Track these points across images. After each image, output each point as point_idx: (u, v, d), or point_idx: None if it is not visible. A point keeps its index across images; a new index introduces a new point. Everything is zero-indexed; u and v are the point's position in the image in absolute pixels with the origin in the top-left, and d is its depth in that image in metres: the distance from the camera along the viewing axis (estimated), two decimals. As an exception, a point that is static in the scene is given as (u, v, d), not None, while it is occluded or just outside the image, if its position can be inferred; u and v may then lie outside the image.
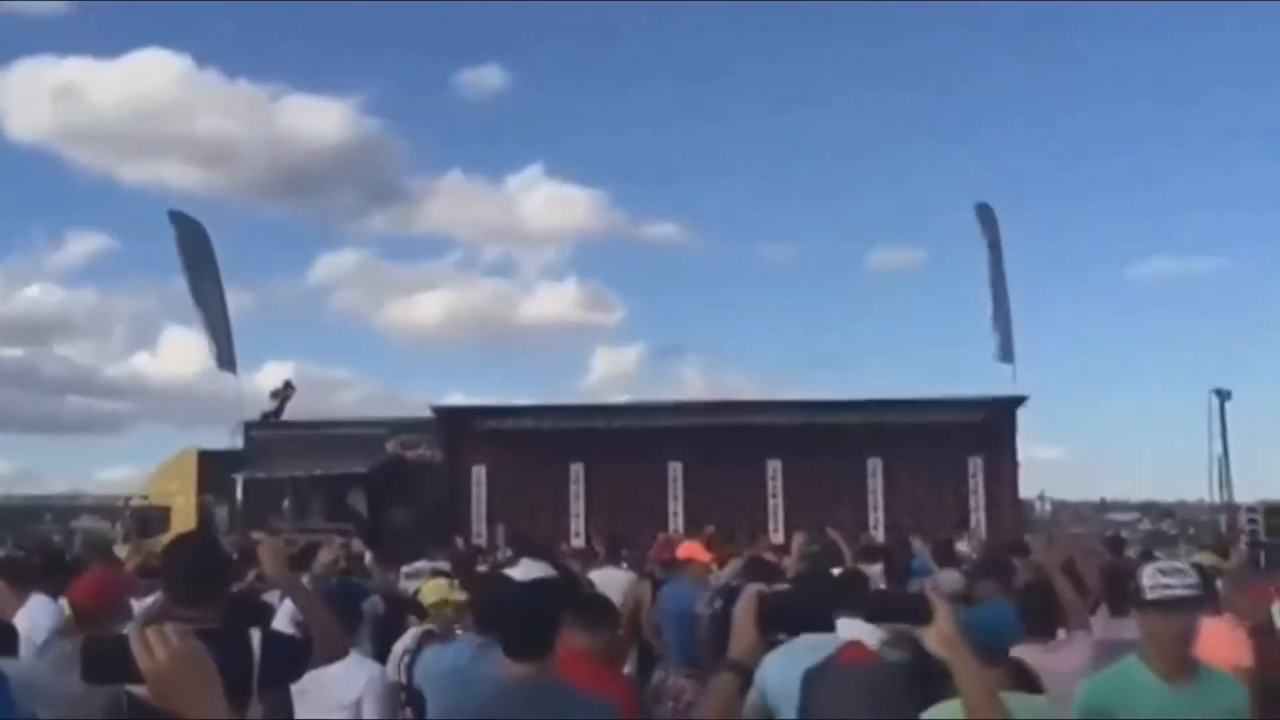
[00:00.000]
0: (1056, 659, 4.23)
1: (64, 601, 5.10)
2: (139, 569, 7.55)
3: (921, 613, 2.25)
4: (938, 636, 2.08)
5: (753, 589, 2.35)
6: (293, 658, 3.51)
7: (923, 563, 8.62)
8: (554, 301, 63.36)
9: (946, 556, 9.65)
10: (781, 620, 2.55)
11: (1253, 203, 52.91)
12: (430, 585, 6.20)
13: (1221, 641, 4.42)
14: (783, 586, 5.67)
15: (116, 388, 69.43)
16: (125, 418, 70.44)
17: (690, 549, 7.91)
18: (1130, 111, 54.27)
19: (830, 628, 2.84)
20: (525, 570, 7.19)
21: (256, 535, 18.05)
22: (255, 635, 3.41)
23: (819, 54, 54.06)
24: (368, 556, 10.49)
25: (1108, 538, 17.63)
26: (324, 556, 8.01)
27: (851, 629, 3.28)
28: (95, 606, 4.71)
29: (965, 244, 24.08)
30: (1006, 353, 22.46)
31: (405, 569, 11.13)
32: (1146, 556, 9.03)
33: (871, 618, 2.62)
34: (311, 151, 56.86)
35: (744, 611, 2.29)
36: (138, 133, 57.50)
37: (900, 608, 2.50)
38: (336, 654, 3.70)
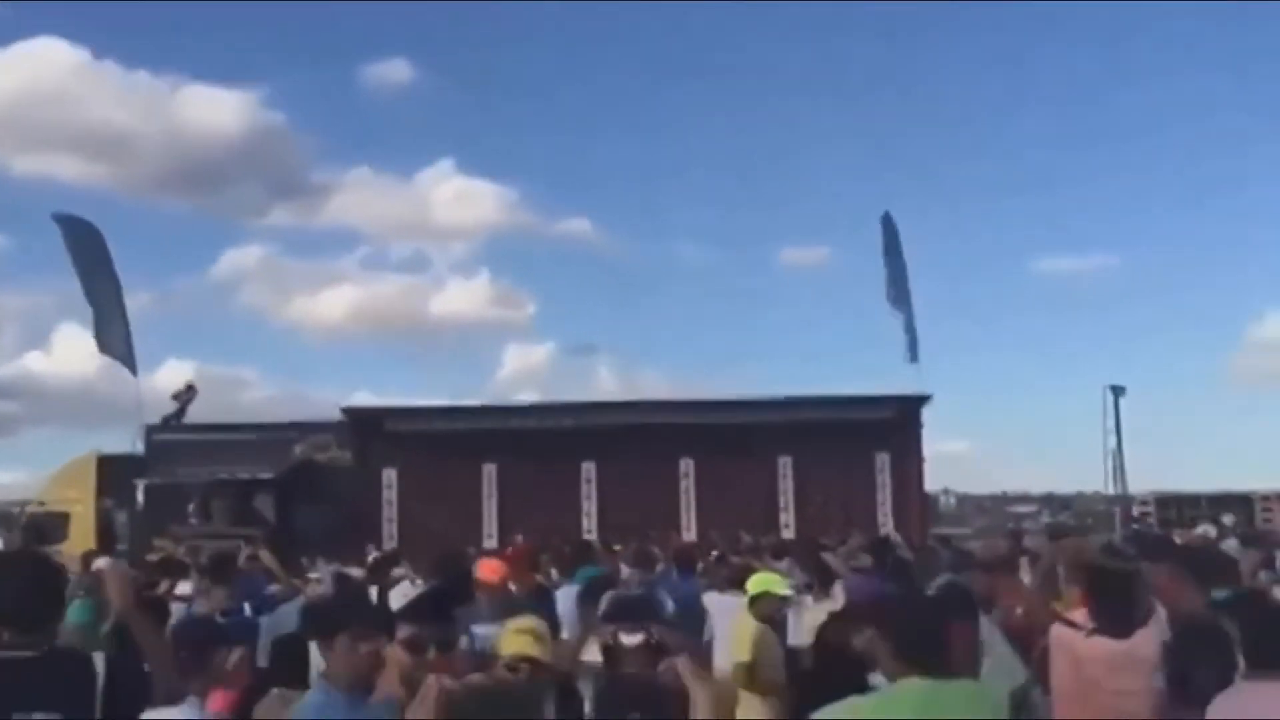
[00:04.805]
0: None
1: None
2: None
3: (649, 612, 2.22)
4: (685, 670, 2.05)
5: (432, 680, 2.10)
6: (136, 688, 3.35)
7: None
8: (464, 298, 62.54)
9: (882, 553, 9.87)
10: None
11: (1147, 202, 54.67)
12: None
13: None
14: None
15: (6, 388, 66.80)
16: (15, 420, 67.85)
17: (487, 567, 6.97)
18: (1025, 112, 55.72)
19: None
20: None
21: (160, 542, 17.66)
22: (99, 660, 3.28)
23: (730, 59, 54.45)
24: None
25: (1009, 531, 18.23)
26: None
27: None
28: None
29: (872, 243, 24.60)
30: (912, 353, 23.07)
31: (311, 574, 10.96)
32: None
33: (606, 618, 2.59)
34: (212, 144, 55.39)
35: (422, 708, 2.07)
36: (29, 125, 55.45)
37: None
38: (172, 697, 3.49)
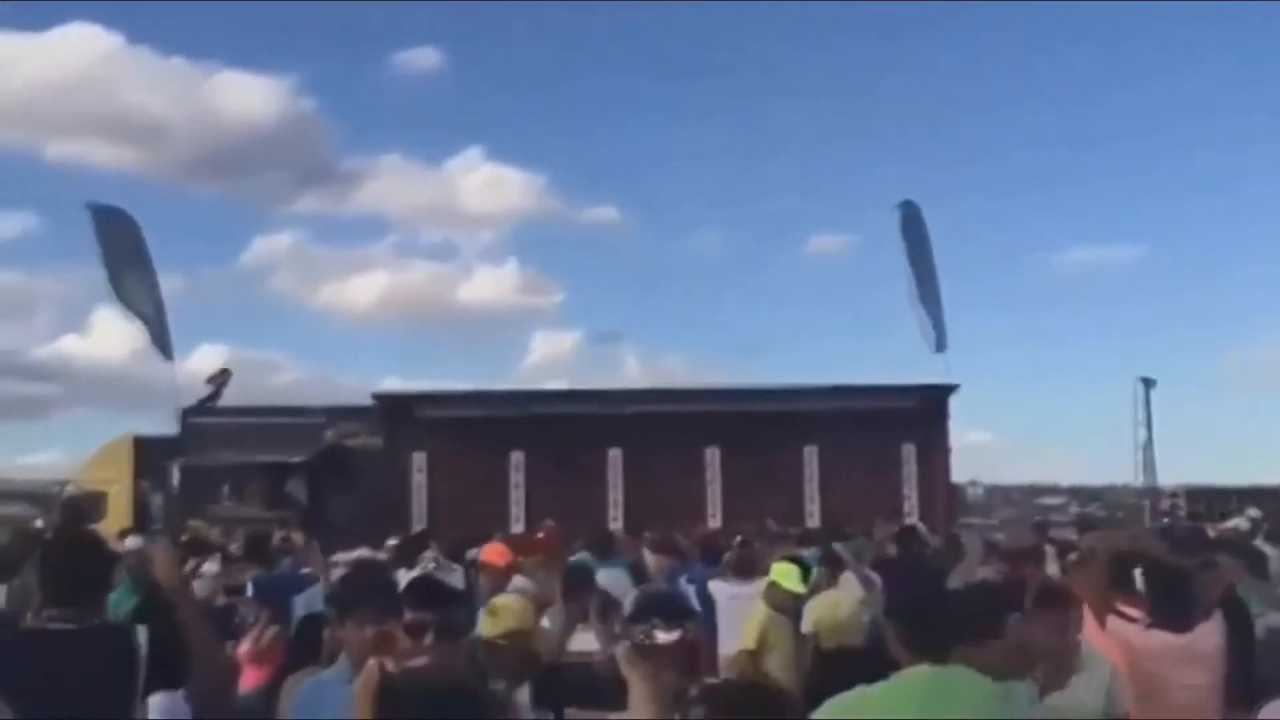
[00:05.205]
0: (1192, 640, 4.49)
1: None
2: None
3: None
4: (624, 660, 1.81)
5: (373, 664, 1.81)
6: (175, 663, 3.38)
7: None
8: (492, 286, 62.82)
9: (907, 544, 9.90)
10: (410, 710, 1.86)
11: (1176, 193, 54.00)
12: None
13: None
14: None
15: (43, 370, 67.61)
16: (51, 402, 68.75)
17: (491, 551, 7.14)
18: (1051, 105, 55.25)
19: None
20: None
21: (193, 523, 17.95)
22: (142, 633, 3.32)
23: (756, 50, 54.25)
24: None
25: (1035, 522, 18.16)
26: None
27: None
28: None
29: (898, 231, 24.45)
30: (939, 343, 22.99)
31: (339, 555, 11.17)
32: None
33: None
34: (243, 131, 55.84)
35: (360, 693, 1.86)
36: (64, 110, 56.05)
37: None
38: (213, 682, 3.53)
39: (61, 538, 3.90)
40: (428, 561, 8.90)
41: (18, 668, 3.21)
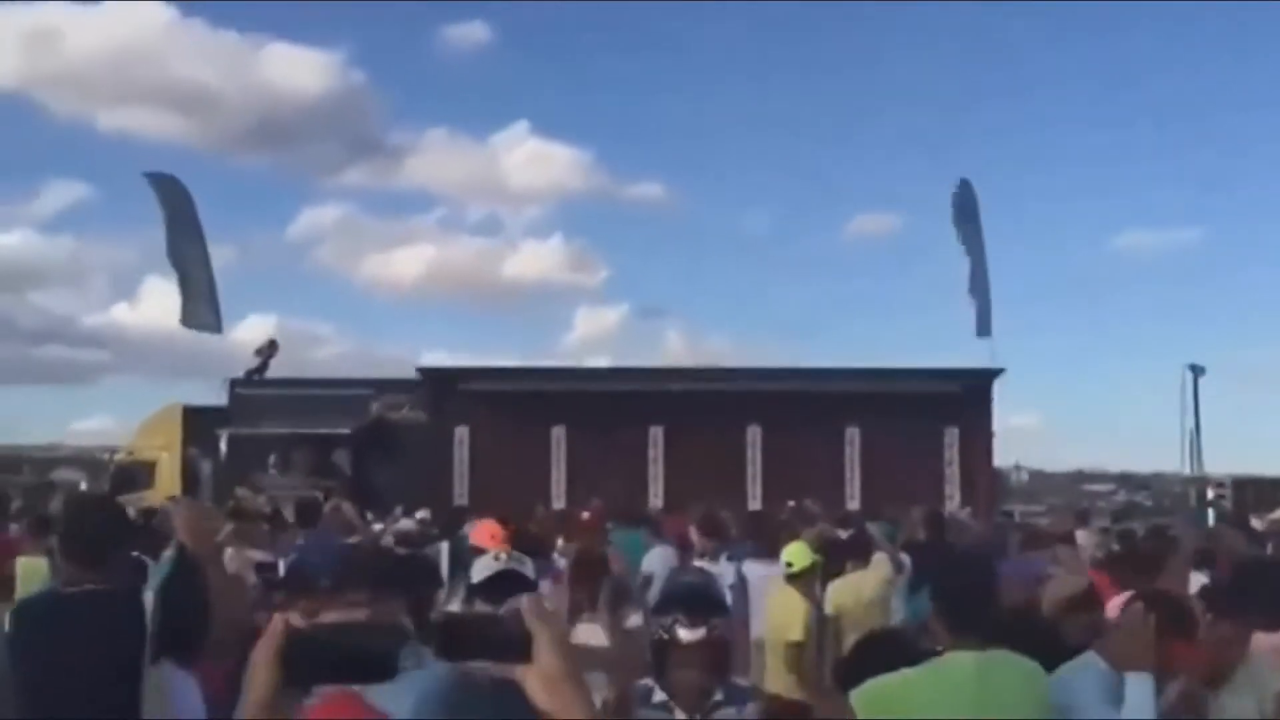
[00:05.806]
0: None
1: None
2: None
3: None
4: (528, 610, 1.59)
5: (279, 619, 1.64)
6: (187, 629, 3.28)
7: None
8: (538, 261, 63.25)
9: (936, 528, 9.85)
10: (316, 668, 1.61)
11: (1232, 177, 52.90)
12: None
13: None
14: None
15: (94, 338, 68.99)
16: (102, 368, 70.02)
17: (481, 533, 6.76)
18: (1107, 85, 54.31)
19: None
20: None
21: (240, 491, 18.26)
22: (149, 597, 3.25)
23: (804, 23, 53.71)
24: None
25: (1080, 510, 17.98)
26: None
27: None
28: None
29: (945, 213, 24.15)
30: (984, 327, 22.75)
31: (385, 525, 11.33)
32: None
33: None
34: (293, 103, 56.35)
35: (262, 650, 1.64)
36: (118, 80, 56.81)
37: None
38: (233, 651, 3.31)
39: (76, 503, 3.91)
40: (500, 551, 8.95)
41: (33, 630, 3.25)
